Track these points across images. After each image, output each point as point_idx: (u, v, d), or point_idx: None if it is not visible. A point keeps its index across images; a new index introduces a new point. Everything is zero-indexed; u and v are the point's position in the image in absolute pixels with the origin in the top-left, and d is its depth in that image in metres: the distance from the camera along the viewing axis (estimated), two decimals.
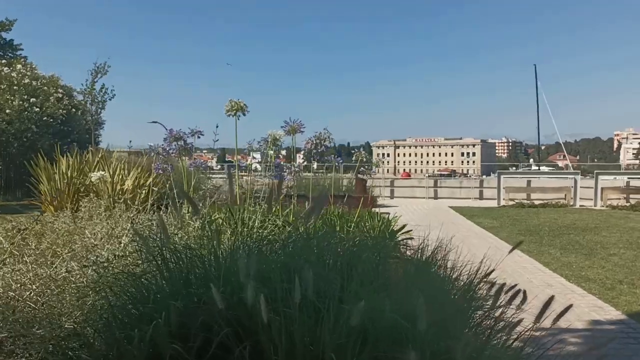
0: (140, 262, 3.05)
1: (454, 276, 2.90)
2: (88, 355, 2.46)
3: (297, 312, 1.99)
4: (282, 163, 5.76)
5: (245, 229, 4.08)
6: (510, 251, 2.83)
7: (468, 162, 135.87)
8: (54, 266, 2.98)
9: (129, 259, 3.14)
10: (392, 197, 18.60)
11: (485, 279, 2.71)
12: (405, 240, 4.86)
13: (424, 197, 18.55)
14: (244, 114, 5.14)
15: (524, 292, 2.28)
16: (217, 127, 4.99)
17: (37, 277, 2.96)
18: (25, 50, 23.41)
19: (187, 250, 2.79)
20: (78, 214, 5.65)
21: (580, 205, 15.19)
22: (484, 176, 25.02)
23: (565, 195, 15.75)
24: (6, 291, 2.90)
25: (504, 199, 15.79)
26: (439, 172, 78.28)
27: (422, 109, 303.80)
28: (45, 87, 16.10)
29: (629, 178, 17.28)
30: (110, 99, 17.46)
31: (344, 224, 5.08)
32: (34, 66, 17.13)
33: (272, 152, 5.31)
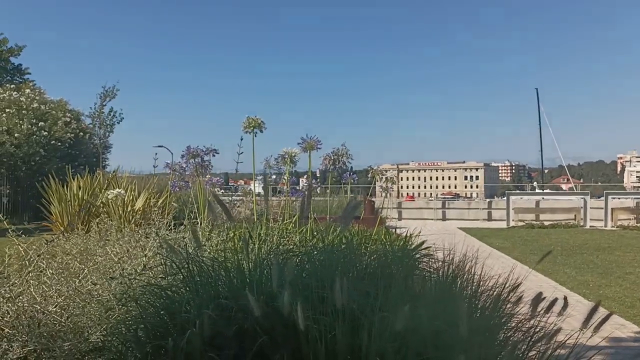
0: (162, 275, 3.02)
1: (479, 290, 2.88)
2: None
3: (337, 319, 1.95)
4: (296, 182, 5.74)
5: (267, 244, 4.04)
6: (539, 261, 2.82)
7: (471, 185, 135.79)
8: (79, 279, 2.94)
9: (151, 272, 3.11)
10: (399, 218, 18.55)
11: (512, 292, 2.70)
12: (424, 257, 4.81)
13: (432, 219, 18.51)
14: (261, 131, 5.13)
15: (565, 299, 2.24)
16: (241, 139, 4.95)
17: (62, 291, 2.93)
18: (33, 74, 23.69)
19: (214, 262, 2.76)
20: (90, 234, 5.64)
21: (591, 226, 15.11)
22: (487, 199, 24.98)
23: (575, 215, 15.69)
24: (31, 304, 2.87)
25: (513, 220, 15.73)
26: (443, 196, 78.26)
27: (425, 132, 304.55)
28: (54, 111, 16.22)
29: (636, 199, 17.23)
30: (118, 122, 17.59)
31: (361, 240, 5.04)
32: (42, 90, 17.31)
33: (289, 169, 5.30)
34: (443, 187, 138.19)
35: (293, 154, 5.25)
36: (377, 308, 2.10)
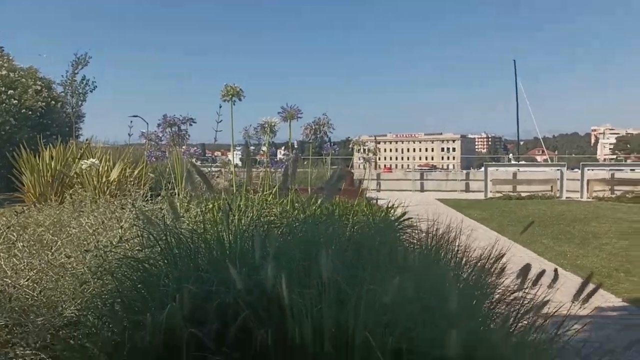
0: (139, 248, 2.91)
1: (462, 262, 2.85)
2: (93, 344, 2.32)
3: (324, 292, 1.88)
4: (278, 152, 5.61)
5: (247, 215, 3.95)
6: (523, 232, 2.80)
7: (448, 157, 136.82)
8: (51, 251, 2.82)
9: (127, 245, 3.00)
10: (378, 190, 18.57)
11: (495, 264, 2.67)
12: (406, 229, 4.77)
13: (411, 190, 18.55)
14: (240, 99, 4.99)
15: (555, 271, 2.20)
16: (220, 107, 4.80)
17: (34, 264, 2.81)
18: (1, 41, 22.88)
19: (193, 234, 2.67)
20: (64, 205, 5.48)
21: (567, 197, 15.29)
22: (464, 171, 25.10)
23: (552, 187, 15.85)
24: (1, 278, 2.75)
25: (490, 191, 15.83)
26: (420, 167, 78.58)
27: (402, 103, 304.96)
28: (24, 79, 15.70)
29: (611, 170, 17.47)
30: (91, 91, 17.11)
31: (343, 212, 4.98)
32: (10, 57, 16.70)
33: (268, 140, 5.18)
34: (420, 158, 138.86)
35: (273, 124, 5.13)
36: (363, 281, 2.03)
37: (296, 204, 4.72)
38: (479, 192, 16.70)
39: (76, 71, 16.49)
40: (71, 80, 16.54)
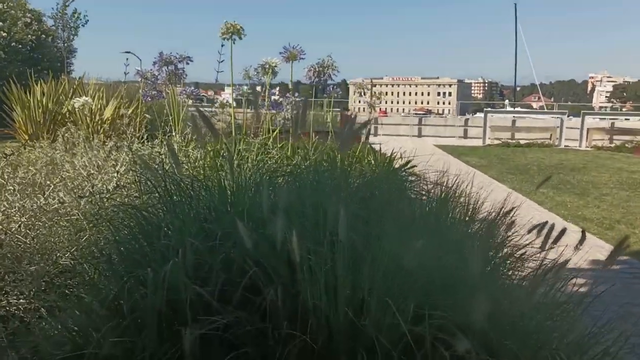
0: (136, 194, 2.77)
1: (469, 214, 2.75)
2: (89, 294, 2.20)
3: (340, 251, 1.76)
4: (277, 94, 5.40)
5: (247, 161, 3.80)
6: (538, 187, 2.69)
7: (444, 102, 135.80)
8: (44, 195, 2.68)
9: (124, 191, 2.86)
10: (375, 134, 18.38)
11: (504, 218, 2.57)
12: (410, 177, 4.64)
13: (408, 135, 18.36)
14: (240, 38, 4.75)
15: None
16: (222, 46, 4.56)
17: (26, 209, 2.67)
18: None
19: (193, 181, 2.52)
20: (56, 144, 5.31)
21: (565, 146, 15.17)
22: (459, 116, 24.78)
23: (551, 135, 15.68)
24: None
25: (489, 138, 15.66)
26: (415, 111, 78.06)
27: (399, 45, 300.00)
28: (13, 11, 15.15)
29: (611, 119, 17.30)
30: (83, 25, 16.57)
31: (344, 159, 4.83)
32: None
33: (269, 81, 4.97)
34: (416, 102, 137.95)
35: (274, 64, 4.91)
36: (377, 238, 1.91)
37: (298, 150, 4.57)
38: (477, 138, 16.55)
39: (67, 3, 15.89)
40: (62, 13, 15.97)
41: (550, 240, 2.12)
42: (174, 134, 4.81)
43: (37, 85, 8.38)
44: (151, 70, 4.83)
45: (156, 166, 2.61)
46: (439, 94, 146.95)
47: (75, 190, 2.69)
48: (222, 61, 4.62)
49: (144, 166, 2.25)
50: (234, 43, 4.74)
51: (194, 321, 1.72)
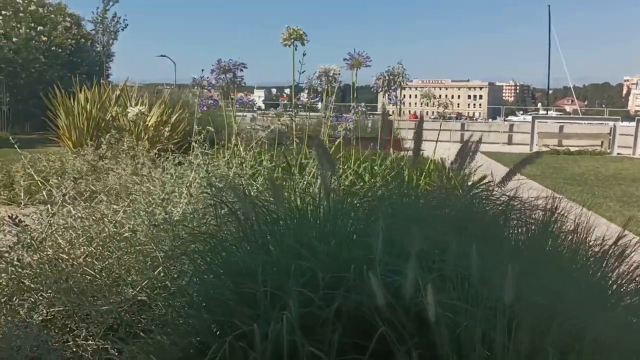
0: (213, 223, 2.46)
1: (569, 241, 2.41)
2: (171, 342, 1.91)
3: (495, 313, 1.43)
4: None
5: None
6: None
7: (475, 105, 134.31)
8: (112, 223, 2.40)
9: (203, 218, 2.57)
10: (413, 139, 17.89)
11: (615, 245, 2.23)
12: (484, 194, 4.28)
13: (449, 141, 17.86)
14: (303, 44, 4.49)
15: None
16: (300, 50, 4.33)
17: (92, 237, 2.41)
18: None
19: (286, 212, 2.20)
20: (100, 151, 5.10)
21: (618, 154, 14.47)
22: (490, 120, 24.04)
23: (602, 142, 14.98)
24: (56, 253, 2.35)
25: (536, 145, 15.05)
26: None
27: (430, 48, 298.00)
28: (53, 15, 15.21)
29: None
30: (122, 29, 16.55)
31: (411, 173, 4.53)
32: None
33: (329, 89, 4.69)
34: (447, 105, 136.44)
35: (336, 72, 4.63)
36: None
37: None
38: (522, 145, 15.94)
39: (107, 7, 15.89)
40: (102, 18, 15.96)
41: None
42: (231, 144, 4.54)
43: (79, 90, 8.25)
44: (207, 78, 4.59)
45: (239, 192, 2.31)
46: (469, 97, 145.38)
47: (147, 216, 2.41)
48: (303, 71, 4.38)
49: (234, 195, 1.95)
50: (295, 49, 4.49)
51: None
